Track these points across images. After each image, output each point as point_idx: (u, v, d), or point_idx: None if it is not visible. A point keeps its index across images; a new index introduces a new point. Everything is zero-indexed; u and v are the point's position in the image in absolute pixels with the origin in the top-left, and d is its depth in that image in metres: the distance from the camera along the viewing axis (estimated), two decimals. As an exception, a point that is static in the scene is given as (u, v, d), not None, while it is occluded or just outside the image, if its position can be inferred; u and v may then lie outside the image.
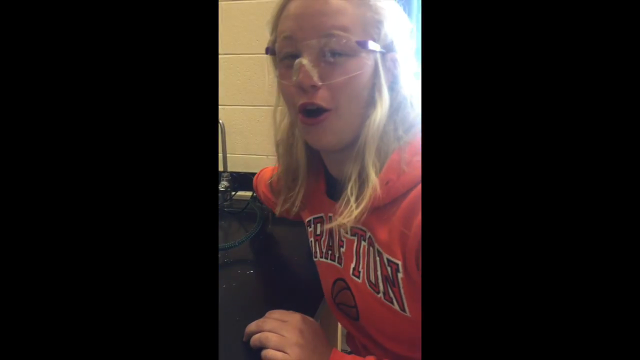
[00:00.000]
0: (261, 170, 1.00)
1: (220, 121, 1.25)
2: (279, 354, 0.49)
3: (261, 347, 0.51)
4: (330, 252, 0.60)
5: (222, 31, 1.29)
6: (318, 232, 0.63)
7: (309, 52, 0.47)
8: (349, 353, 0.68)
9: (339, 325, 1.20)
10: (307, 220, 0.66)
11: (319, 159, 0.60)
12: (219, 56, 1.32)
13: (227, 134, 1.29)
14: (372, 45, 0.47)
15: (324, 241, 0.62)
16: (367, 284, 0.54)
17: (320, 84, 0.47)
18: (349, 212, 0.48)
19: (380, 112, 0.48)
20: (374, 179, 0.48)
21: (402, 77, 0.51)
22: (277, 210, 0.65)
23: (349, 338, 0.74)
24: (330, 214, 0.56)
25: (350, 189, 0.50)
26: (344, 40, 0.46)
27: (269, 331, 0.51)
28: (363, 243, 0.54)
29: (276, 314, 0.55)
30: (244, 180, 1.31)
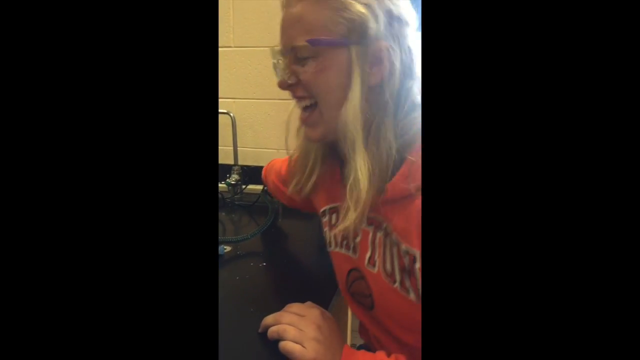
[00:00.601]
0: (271, 161, 1.00)
1: (231, 114, 1.25)
2: (297, 347, 0.49)
3: (278, 340, 0.51)
4: (345, 242, 0.60)
5: (234, 23, 1.29)
6: (333, 221, 0.62)
7: (286, 55, 0.53)
8: (360, 347, 0.68)
9: (349, 320, 1.20)
10: (322, 210, 0.65)
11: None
12: (231, 49, 1.31)
13: (237, 127, 1.29)
14: (325, 42, 0.48)
15: (335, 230, 0.61)
16: (383, 274, 0.54)
17: (290, 82, 0.53)
18: (348, 217, 0.50)
19: (350, 105, 0.49)
20: (364, 182, 0.48)
21: (397, 68, 0.49)
22: (289, 190, 0.66)
23: (361, 330, 0.73)
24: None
25: (350, 192, 0.50)
26: (304, 45, 0.49)
27: (287, 324, 0.51)
28: (379, 234, 0.54)
29: (294, 308, 0.55)
30: (254, 173, 1.31)
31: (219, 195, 1.22)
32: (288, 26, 0.50)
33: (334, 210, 0.63)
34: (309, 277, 0.76)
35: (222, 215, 1.11)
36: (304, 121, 0.55)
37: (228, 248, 0.85)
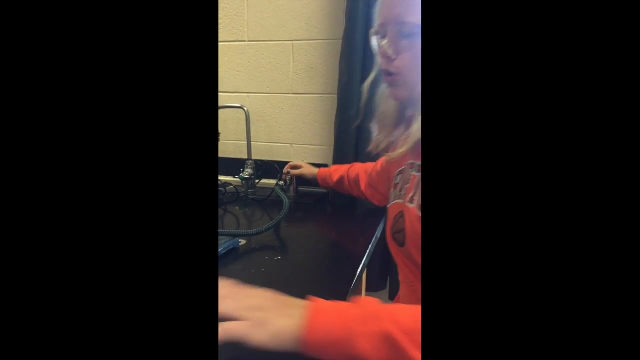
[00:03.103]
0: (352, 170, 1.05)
1: (245, 108, 1.25)
2: (236, 325, 0.40)
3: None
4: (401, 192, 0.72)
5: (248, 17, 1.29)
6: (397, 181, 0.75)
7: (389, 35, 0.66)
8: None
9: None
10: (394, 175, 0.77)
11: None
12: (245, 43, 1.31)
13: (251, 122, 1.30)
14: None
15: (398, 185, 0.75)
16: (417, 207, 0.65)
17: (393, 57, 0.66)
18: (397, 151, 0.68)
19: None
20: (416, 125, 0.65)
21: None
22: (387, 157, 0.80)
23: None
24: (411, 161, 0.70)
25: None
26: (410, 27, 0.64)
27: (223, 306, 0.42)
28: (420, 175, 0.67)
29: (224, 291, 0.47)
30: (268, 168, 1.32)
31: (234, 190, 1.22)
32: (394, 4, 0.64)
33: (401, 172, 0.74)
34: (324, 272, 0.76)
35: (235, 209, 1.12)
36: (391, 82, 0.69)
37: (243, 241, 0.85)
